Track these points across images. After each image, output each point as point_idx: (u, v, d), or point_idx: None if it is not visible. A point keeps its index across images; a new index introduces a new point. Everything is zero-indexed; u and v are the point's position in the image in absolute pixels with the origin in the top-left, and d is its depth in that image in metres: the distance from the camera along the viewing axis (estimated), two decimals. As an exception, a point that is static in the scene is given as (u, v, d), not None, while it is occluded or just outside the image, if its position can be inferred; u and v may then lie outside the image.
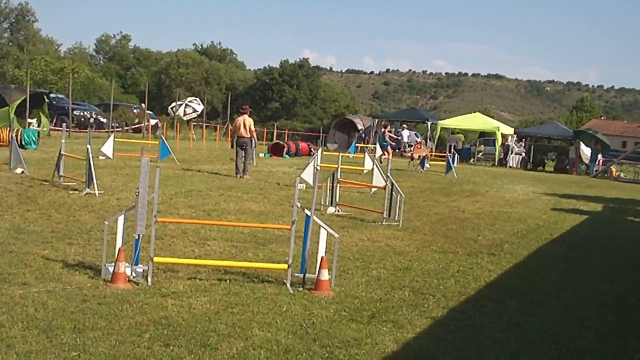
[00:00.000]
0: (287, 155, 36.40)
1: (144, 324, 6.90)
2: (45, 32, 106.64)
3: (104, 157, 23.97)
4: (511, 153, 47.70)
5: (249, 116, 23.51)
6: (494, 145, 48.93)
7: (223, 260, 9.97)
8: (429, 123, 51.37)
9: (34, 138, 27.84)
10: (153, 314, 7.21)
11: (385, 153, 34.46)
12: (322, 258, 8.77)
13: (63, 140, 17.34)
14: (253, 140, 23.23)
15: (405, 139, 48.48)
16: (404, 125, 49.69)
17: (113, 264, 8.35)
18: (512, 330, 7.73)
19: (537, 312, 8.61)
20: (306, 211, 9.07)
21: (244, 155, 23.11)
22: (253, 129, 23.29)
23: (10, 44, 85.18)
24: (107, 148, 24.51)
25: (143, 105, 50.10)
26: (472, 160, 49.06)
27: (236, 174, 22.79)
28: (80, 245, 10.28)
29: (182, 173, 21.95)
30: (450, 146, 38.52)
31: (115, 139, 25.93)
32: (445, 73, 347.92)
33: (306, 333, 7.04)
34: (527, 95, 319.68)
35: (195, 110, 53.70)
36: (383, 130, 38.92)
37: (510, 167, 46.37)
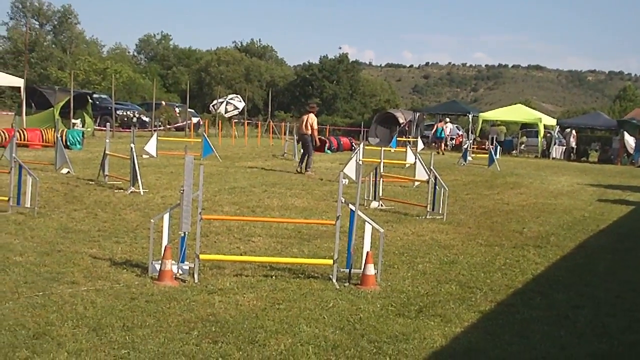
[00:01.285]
0: (328, 151, 36.38)
1: (192, 321, 6.93)
2: (88, 33, 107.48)
3: (148, 156, 24.18)
4: (554, 144, 47.23)
5: (315, 114, 23.68)
6: (537, 137, 48.44)
7: (268, 256, 10.00)
8: (470, 116, 50.98)
9: (78, 138, 28.14)
10: (201, 311, 7.24)
11: (443, 145, 34.80)
12: (367, 253, 8.75)
13: (107, 140, 17.50)
14: (313, 138, 23.41)
15: (447, 132, 48.27)
16: (447, 119, 49.42)
17: (160, 261, 8.41)
18: (561, 323, 7.64)
19: (586, 304, 8.50)
20: (350, 206, 9.04)
21: (304, 151, 23.42)
22: (315, 127, 23.44)
23: (53, 45, 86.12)
24: (151, 147, 24.75)
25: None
26: (514, 152, 48.64)
27: (302, 170, 23.14)
28: (126, 244, 10.36)
29: (224, 170, 22.04)
30: (492, 138, 38.29)
31: (158, 138, 26.15)
32: (485, 65, 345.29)
33: (354, 328, 7.03)
34: (568, 86, 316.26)
35: (236, 108, 53.88)
36: (439, 123, 39.26)
37: (553, 158, 45.92)
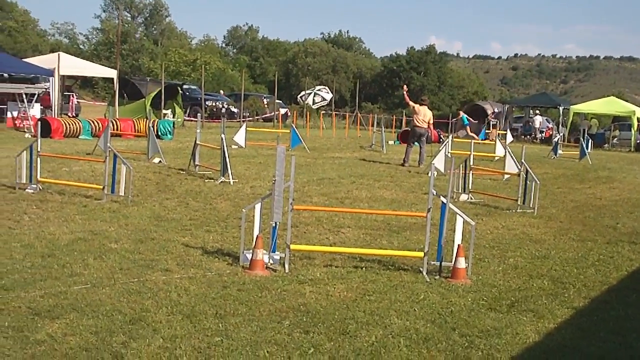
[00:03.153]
0: (417, 143, 36.10)
1: (283, 310, 6.98)
2: (178, 25, 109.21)
3: (237, 146, 24.43)
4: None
5: (428, 108, 23.65)
6: (630, 130, 47.20)
7: (358, 247, 9.99)
8: (560, 108, 50.01)
9: (169, 128, 28.61)
10: (292, 301, 7.28)
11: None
12: (458, 246, 8.67)
13: (198, 130, 17.74)
14: (429, 132, 23.59)
15: (537, 125, 47.48)
16: (537, 111, 48.57)
17: (251, 251, 8.48)
18: (659, 321, 7.44)
19: (685, 302, 8.25)
20: (442, 198, 8.96)
21: (419, 145, 23.39)
22: (432, 121, 23.56)
23: (144, 37, 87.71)
24: (240, 137, 25.01)
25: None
26: (606, 145, 47.52)
27: (403, 162, 23.12)
28: (217, 233, 10.49)
29: (313, 161, 22.14)
30: (583, 131, 37.47)
31: (247, 129, 26.40)
32: (576, 57, 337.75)
33: (445, 322, 6.97)
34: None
35: (324, 99, 54.03)
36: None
37: (648, 152, 44.70)
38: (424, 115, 23.18)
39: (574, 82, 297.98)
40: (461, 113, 41.73)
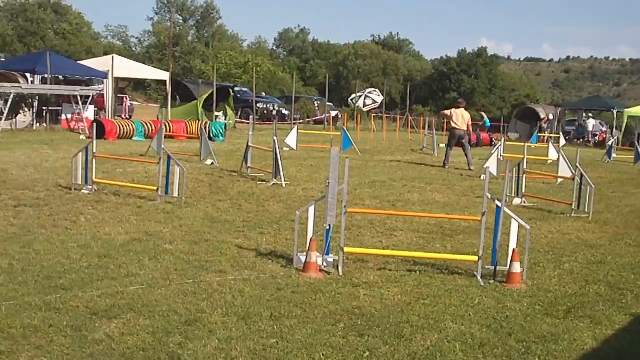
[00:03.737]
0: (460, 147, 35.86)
1: (337, 313, 6.97)
2: (229, 28, 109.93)
3: (288, 149, 24.50)
4: None
5: (465, 109, 23.70)
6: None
7: (411, 251, 9.94)
8: (614, 111, 49.33)
9: (221, 130, 28.81)
10: (346, 304, 7.27)
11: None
12: (513, 250, 8.58)
13: (250, 132, 17.83)
14: (469, 133, 23.64)
15: (590, 128, 46.90)
16: (589, 114, 48.00)
17: (304, 253, 8.49)
18: None
19: None
20: (497, 202, 8.88)
21: (463, 147, 23.45)
22: (470, 122, 23.66)
23: (196, 40, 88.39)
24: (291, 139, 25.08)
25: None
26: (662, 149, 46.71)
27: (443, 164, 23.12)
28: (270, 235, 10.52)
29: (364, 164, 22.12)
30: (638, 135, 36.94)
31: (298, 131, 26.47)
32: (629, 59, 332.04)
33: (500, 327, 6.90)
34: None
35: (374, 101, 53.92)
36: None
37: None
38: (461, 117, 23.24)
39: (627, 84, 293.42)
40: (484, 115, 41.15)
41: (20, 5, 75.02)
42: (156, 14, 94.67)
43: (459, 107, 23.64)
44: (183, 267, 8.29)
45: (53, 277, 7.56)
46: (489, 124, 39.06)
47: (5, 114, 26.50)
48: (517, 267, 8.49)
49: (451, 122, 23.48)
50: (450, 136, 23.64)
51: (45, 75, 30.50)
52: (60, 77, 33.64)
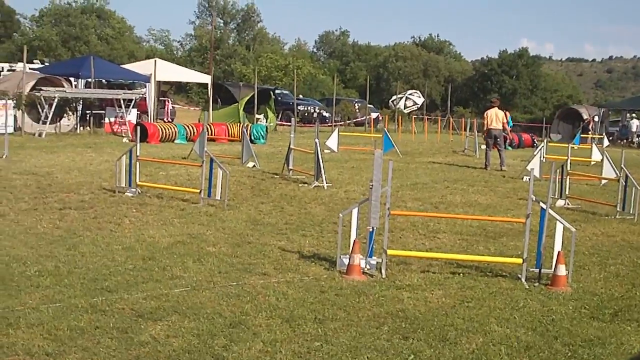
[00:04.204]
0: (509, 147, 35.63)
1: (381, 316, 6.95)
2: (270, 30, 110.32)
3: (329, 151, 24.50)
4: None
5: (500, 108, 23.70)
6: None
7: (454, 253, 9.89)
8: (659, 111, 48.65)
9: (262, 133, 28.93)
10: (390, 307, 7.25)
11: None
12: (559, 253, 8.49)
13: (292, 135, 17.87)
14: (506, 132, 23.53)
15: (634, 129, 46.31)
16: (633, 115, 47.41)
17: (348, 255, 8.49)
18: None
19: None
20: (541, 204, 8.80)
21: (498, 147, 23.46)
22: (505, 120, 23.74)
23: (237, 43, 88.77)
24: (332, 142, 25.09)
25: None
26: None
27: (485, 166, 23.05)
28: (313, 237, 10.53)
29: (405, 166, 22.05)
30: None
31: (339, 133, 26.46)
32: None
33: (546, 330, 6.84)
34: None
35: (415, 103, 53.84)
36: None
37: None
38: (496, 116, 23.27)
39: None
40: (507, 114, 40.30)
41: (64, 10, 75.89)
42: (198, 17, 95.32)
43: (492, 107, 23.65)
44: (227, 270, 8.32)
45: (99, 280, 7.63)
46: (512, 124, 38.45)
47: (50, 118, 26.82)
48: (562, 270, 8.41)
49: (487, 122, 23.47)
50: (487, 136, 23.58)
51: (89, 80, 30.84)
52: (104, 81, 33.98)
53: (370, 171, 8.63)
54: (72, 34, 71.75)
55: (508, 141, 36.03)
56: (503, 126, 23.31)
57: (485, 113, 24.05)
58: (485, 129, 23.85)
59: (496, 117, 23.25)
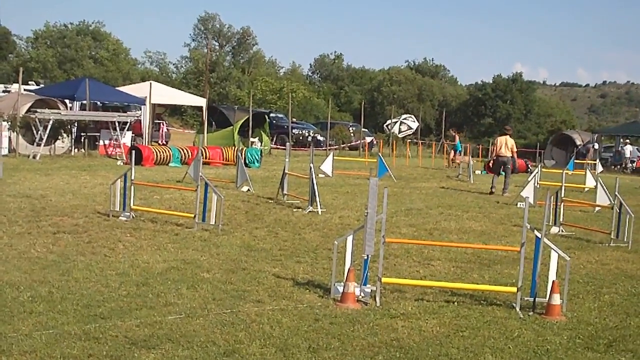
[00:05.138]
0: (503, 172, 35.63)
1: (375, 345, 6.93)
2: (267, 54, 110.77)
3: (324, 175, 24.50)
4: None
5: (510, 137, 24.25)
6: None
7: (448, 281, 9.88)
8: (653, 137, 48.80)
9: (257, 157, 28.91)
10: (384, 336, 7.23)
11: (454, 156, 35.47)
12: (553, 282, 8.49)
13: (287, 159, 17.85)
14: (514, 160, 24.32)
15: (628, 154, 46.45)
16: (627, 140, 47.58)
17: (342, 283, 8.47)
18: None
19: None
20: (536, 232, 8.81)
21: (504, 173, 23.91)
22: (515, 149, 24.10)
23: (232, 66, 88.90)
24: (327, 166, 25.09)
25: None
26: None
27: (490, 191, 23.32)
28: (308, 264, 10.51)
29: (400, 191, 22.05)
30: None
31: (334, 157, 26.47)
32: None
33: (541, 360, 6.83)
34: None
35: (410, 128, 53.95)
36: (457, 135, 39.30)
37: None
38: (505, 144, 23.76)
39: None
40: (457, 137, 40.38)
41: (60, 32, 76.06)
42: (193, 40, 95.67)
43: (505, 135, 24.17)
44: (221, 297, 8.30)
45: (92, 306, 7.60)
46: (460, 148, 38.18)
47: (44, 140, 26.81)
48: (557, 299, 8.40)
49: (496, 149, 23.89)
50: (495, 163, 24.05)
51: (84, 102, 30.84)
52: (99, 103, 33.98)
53: (364, 196, 8.65)
54: (68, 56, 71.85)
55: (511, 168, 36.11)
56: (512, 153, 23.74)
57: (495, 139, 24.62)
58: (493, 155, 24.33)
59: (505, 145, 23.70)
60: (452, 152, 38.96)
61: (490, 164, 26.60)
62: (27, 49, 78.03)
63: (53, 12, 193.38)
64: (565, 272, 8.79)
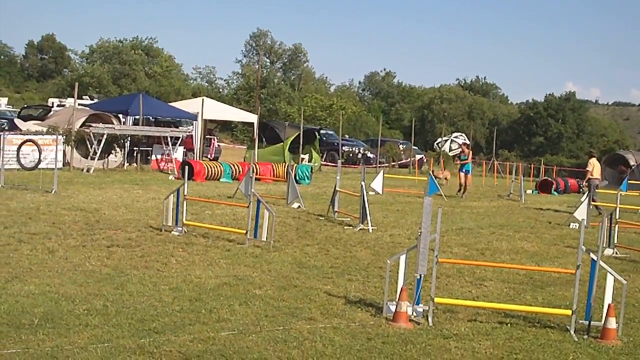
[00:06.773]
0: (555, 192, 35.33)
1: (429, 366, 6.89)
2: (318, 71, 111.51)
3: (374, 193, 24.44)
4: None
5: (597, 159, 24.57)
6: None
7: (501, 302, 9.79)
8: None
9: (307, 173, 28.94)
10: (437, 356, 7.19)
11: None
12: (609, 305, 8.36)
13: (338, 177, 17.85)
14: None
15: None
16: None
17: (394, 302, 8.44)
18: None
19: None
20: (592, 255, 8.69)
21: (593, 195, 23.55)
22: (600, 170, 24.69)
23: (283, 82, 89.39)
24: (377, 184, 24.98)
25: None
26: None
27: (598, 210, 23.23)
28: (359, 282, 10.49)
29: (450, 210, 21.91)
30: None
31: (384, 175, 26.41)
32: None
33: (597, 385, 6.72)
34: None
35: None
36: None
37: None
38: (595, 167, 23.81)
39: None
40: (466, 151, 34.53)
41: (115, 47, 77.27)
42: (245, 56, 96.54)
43: (592, 157, 24.33)
44: (273, 314, 8.31)
45: (146, 320, 7.67)
46: (469, 169, 32.36)
47: (98, 154, 27.17)
48: (612, 323, 8.28)
49: (588, 172, 23.85)
50: (589, 186, 23.76)
51: (138, 117, 31.20)
52: (151, 118, 34.36)
53: (414, 214, 8.66)
54: (122, 71, 72.91)
55: (555, 186, 35.72)
56: (600, 175, 24.26)
57: (589, 162, 24.26)
58: (588, 177, 23.97)
59: (596, 168, 23.73)
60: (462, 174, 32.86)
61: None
62: (81, 64, 79.44)
63: (107, 28, 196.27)
64: (622, 296, 8.65)
